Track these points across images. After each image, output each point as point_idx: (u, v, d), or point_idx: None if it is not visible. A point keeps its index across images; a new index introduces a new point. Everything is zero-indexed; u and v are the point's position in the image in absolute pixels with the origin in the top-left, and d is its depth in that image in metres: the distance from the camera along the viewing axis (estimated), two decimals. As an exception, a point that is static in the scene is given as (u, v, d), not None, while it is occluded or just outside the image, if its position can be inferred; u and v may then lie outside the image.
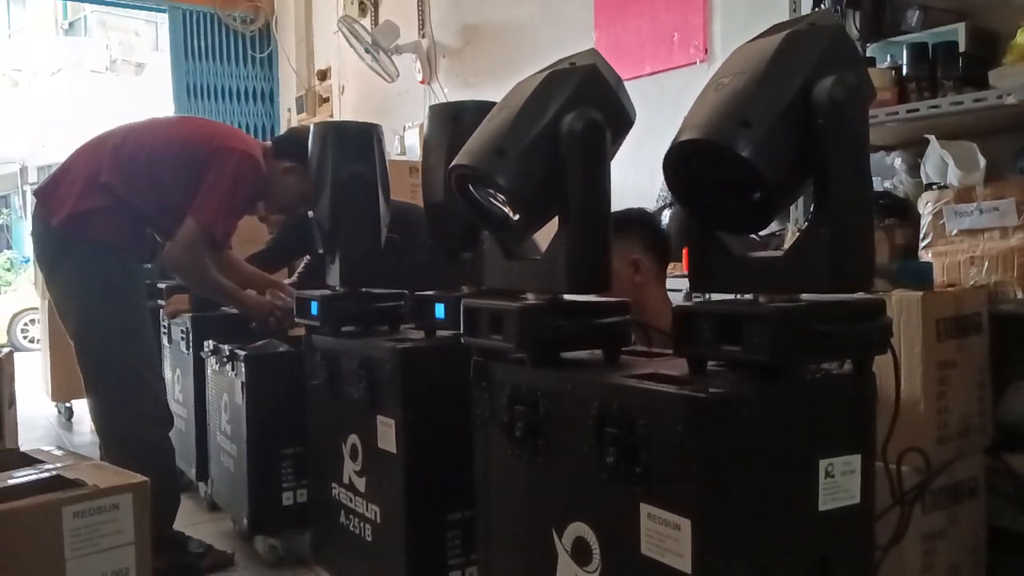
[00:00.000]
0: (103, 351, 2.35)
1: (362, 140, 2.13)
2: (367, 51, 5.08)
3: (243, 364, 2.43)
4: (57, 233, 2.35)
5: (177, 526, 2.57)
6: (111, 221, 2.34)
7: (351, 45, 5.12)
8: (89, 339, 2.36)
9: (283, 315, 2.55)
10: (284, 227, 3.06)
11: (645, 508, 1.14)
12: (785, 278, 1.17)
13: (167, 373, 3.31)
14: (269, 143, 2.60)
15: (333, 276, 2.12)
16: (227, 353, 2.54)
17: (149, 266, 3.54)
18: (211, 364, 2.74)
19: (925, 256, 2.11)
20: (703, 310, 1.23)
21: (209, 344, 2.73)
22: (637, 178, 2.31)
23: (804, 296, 1.18)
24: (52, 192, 2.39)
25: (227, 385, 2.58)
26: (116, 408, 2.37)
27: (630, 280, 1.99)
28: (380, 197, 2.13)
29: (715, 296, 1.35)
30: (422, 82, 5.03)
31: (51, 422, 4.83)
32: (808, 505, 1.16)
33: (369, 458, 1.90)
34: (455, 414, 1.56)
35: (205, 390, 2.85)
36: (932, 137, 2.19)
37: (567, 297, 1.38)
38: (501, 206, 1.38)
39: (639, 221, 2.09)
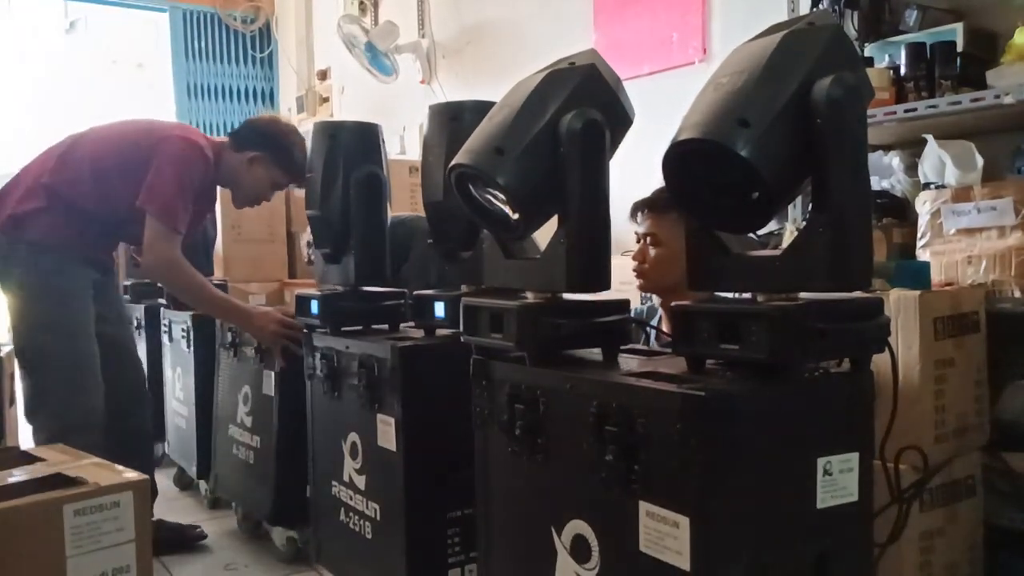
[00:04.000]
0: (36, 353, 2.32)
1: (370, 140, 2.14)
2: (366, 50, 5.08)
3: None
4: (1, 237, 2.34)
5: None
6: (49, 221, 2.34)
7: (346, 46, 5.12)
8: (24, 339, 2.33)
9: (290, 334, 2.35)
10: None
11: (644, 506, 1.15)
12: (783, 277, 1.18)
13: (167, 372, 3.31)
14: (226, 138, 2.59)
15: (342, 275, 2.13)
16: (255, 344, 2.51)
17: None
18: (226, 356, 2.74)
19: (923, 255, 2.12)
20: (701, 309, 1.23)
21: (227, 336, 2.73)
22: (636, 177, 2.31)
23: (802, 295, 1.18)
24: (1, 200, 2.39)
25: (251, 376, 2.56)
26: (45, 408, 2.31)
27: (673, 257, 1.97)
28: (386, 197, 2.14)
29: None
30: (422, 82, 5.03)
31: (51, 421, 4.82)
32: (806, 503, 1.16)
33: (369, 456, 1.91)
34: (455, 412, 1.56)
35: (211, 387, 2.85)
36: (930, 137, 2.20)
37: (566, 296, 1.39)
38: (501, 205, 1.38)
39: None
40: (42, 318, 2.32)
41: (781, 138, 1.12)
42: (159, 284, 2.53)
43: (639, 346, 1.58)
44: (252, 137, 2.53)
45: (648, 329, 2.04)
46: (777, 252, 1.22)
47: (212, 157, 2.46)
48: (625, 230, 2.22)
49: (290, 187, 2.71)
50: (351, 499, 1.98)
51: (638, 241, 2.08)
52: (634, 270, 2.07)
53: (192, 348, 2.97)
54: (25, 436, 2.47)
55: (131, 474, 1.36)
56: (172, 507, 3.04)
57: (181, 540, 2.64)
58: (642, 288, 2.10)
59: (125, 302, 3.81)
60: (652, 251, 2.04)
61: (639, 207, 2.08)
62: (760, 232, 2.31)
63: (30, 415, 2.34)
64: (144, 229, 2.39)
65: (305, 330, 2.21)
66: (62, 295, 2.35)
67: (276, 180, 2.56)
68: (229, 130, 2.78)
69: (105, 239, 2.54)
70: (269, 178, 2.54)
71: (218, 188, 2.67)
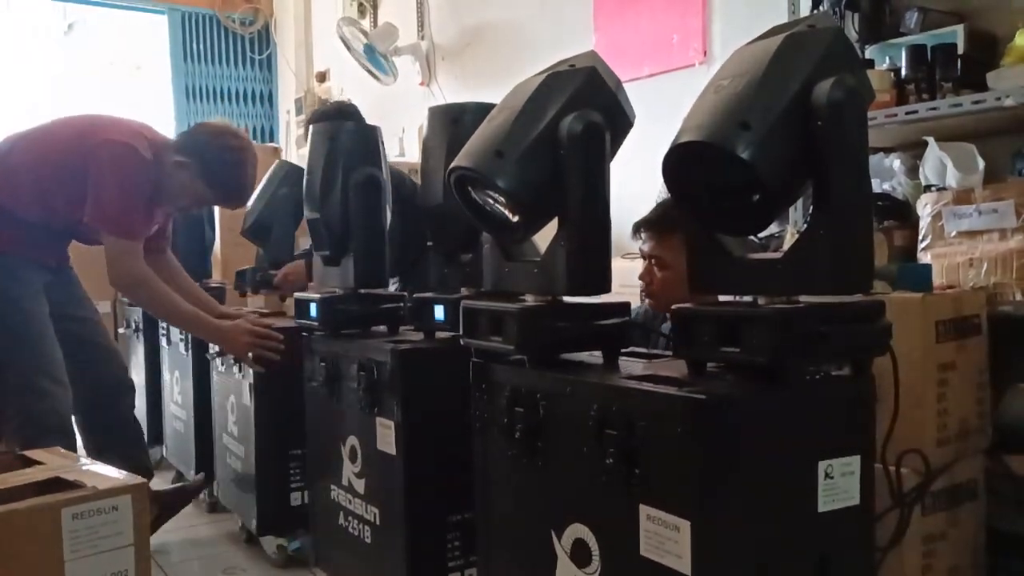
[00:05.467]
0: None
1: (370, 142, 2.13)
2: (365, 52, 5.08)
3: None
4: None
5: (177, 528, 2.59)
6: None
7: (346, 47, 5.12)
8: None
9: (264, 343, 2.33)
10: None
11: (644, 509, 1.14)
12: (784, 280, 1.17)
13: (165, 375, 3.30)
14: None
15: (341, 278, 2.12)
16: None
17: None
18: (216, 366, 2.73)
19: (924, 258, 2.11)
20: (702, 312, 1.23)
21: (214, 345, 2.72)
22: (636, 180, 2.30)
23: (803, 298, 1.18)
24: None
25: (234, 386, 2.57)
26: (8, 416, 2.27)
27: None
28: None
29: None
30: (421, 84, 5.03)
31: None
32: (808, 506, 1.16)
33: (368, 460, 1.90)
34: (454, 416, 1.56)
35: (208, 391, 2.85)
36: (931, 139, 2.20)
37: (566, 299, 1.38)
38: (501, 208, 1.38)
39: None
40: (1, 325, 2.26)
41: (782, 140, 1.11)
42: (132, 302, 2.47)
43: (639, 349, 1.57)
44: (189, 141, 2.40)
45: (657, 335, 2.02)
46: (778, 255, 1.22)
47: (151, 155, 2.34)
48: (626, 233, 2.21)
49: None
50: (350, 503, 1.98)
51: (643, 258, 2.07)
52: (642, 290, 2.06)
53: (190, 352, 2.96)
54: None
55: (130, 478, 1.35)
56: (171, 510, 3.03)
57: (184, 495, 2.69)
58: (653, 307, 2.08)
59: (125, 304, 3.82)
60: (658, 273, 2.02)
61: (641, 226, 2.06)
62: (761, 235, 2.30)
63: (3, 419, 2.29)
64: (87, 235, 2.37)
65: (305, 333, 2.21)
66: (14, 300, 2.29)
67: (199, 193, 2.40)
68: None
69: (54, 242, 2.47)
70: (191, 188, 2.38)
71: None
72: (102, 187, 2.27)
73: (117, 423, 2.52)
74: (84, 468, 1.41)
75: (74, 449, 2.32)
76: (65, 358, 2.35)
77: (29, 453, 1.55)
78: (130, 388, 2.65)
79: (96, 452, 2.39)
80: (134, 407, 2.67)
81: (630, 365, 1.38)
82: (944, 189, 2.15)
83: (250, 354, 2.34)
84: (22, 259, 2.34)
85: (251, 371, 2.40)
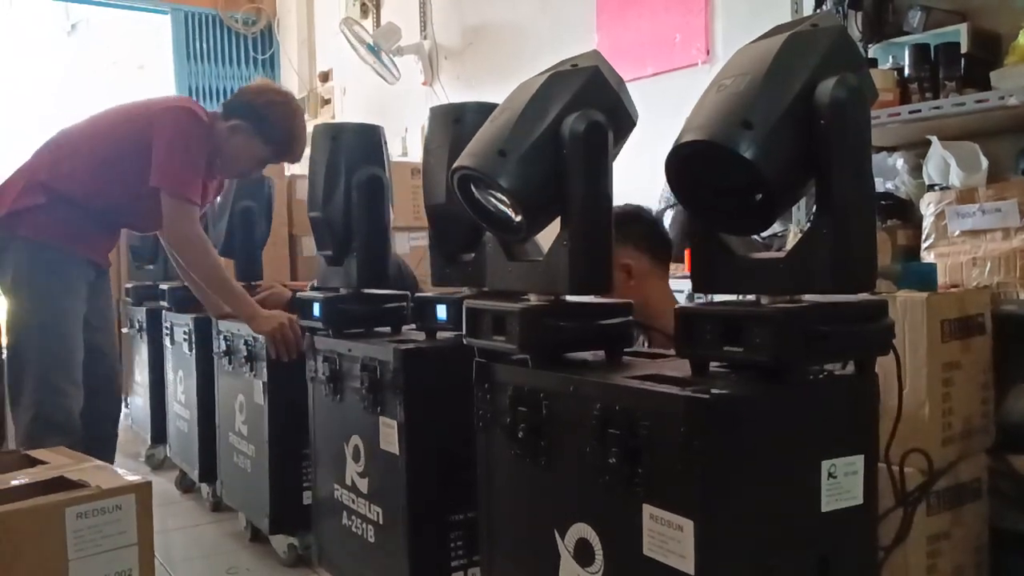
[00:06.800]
0: (17, 349, 2.31)
1: (372, 141, 2.13)
2: (369, 51, 5.08)
3: (264, 364, 2.42)
4: None
5: (180, 527, 2.58)
6: (46, 219, 2.33)
7: (352, 47, 5.13)
8: (10, 335, 2.33)
9: (288, 343, 2.34)
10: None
11: (648, 509, 1.14)
12: (787, 279, 1.17)
13: (168, 374, 3.31)
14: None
15: (343, 277, 2.12)
16: (245, 353, 2.53)
17: (151, 267, 3.55)
18: (223, 365, 2.73)
19: (927, 257, 2.11)
20: (705, 311, 1.23)
21: (221, 344, 2.72)
22: (639, 179, 2.30)
23: (806, 297, 1.18)
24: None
25: (243, 385, 2.57)
26: (21, 405, 2.31)
27: (624, 284, 1.94)
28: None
29: (717, 297, 1.35)
30: (424, 83, 5.03)
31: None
32: (811, 506, 1.16)
33: (371, 459, 1.90)
34: (457, 415, 1.56)
35: (213, 390, 2.85)
36: (934, 138, 2.20)
37: (569, 298, 1.38)
38: (503, 207, 1.38)
39: (627, 221, 1.96)
40: (27, 315, 2.31)
41: (784, 140, 1.11)
42: (181, 259, 2.53)
43: (642, 348, 1.57)
44: (236, 104, 2.45)
45: (655, 333, 2.01)
46: (781, 254, 1.22)
47: (209, 124, 2.41)
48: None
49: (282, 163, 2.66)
50: (353, 502, 1.98)
51: None
52: None
53: (193, 351, 2.96)
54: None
55: (134, 477, 1.35)
56: (174, 510, 3.04)
57: None
58: None
59: (128, 303, 3.83)
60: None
61: None
62: (764, 234, 2.30)
63: (12, 408, 2.36)
64: (144, 217, 2.43)
65: (307, 333, 2.21)
66: (50, 294, 2.32)
67: (256, 152, 2.46)
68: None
69: (106, 235, 2.51)
70: (249, 149, 2.44)
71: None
72: (165, 148, 2.32)
73: (96, 441, 2.46)
74: (88, 468, 1.41)
75: (79, 449, 2.31)
76: None
77: (33, 453, 1.55)
78: (118, 410, 2.68)
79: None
80: (116, 429, 2.65)
81: (633, 364, 1.38)
82: (947, 188, 2.15)
83: (271, 341, 2.35)
84: (74, 253, 2.37)
85: (264, 370, 2.40)
